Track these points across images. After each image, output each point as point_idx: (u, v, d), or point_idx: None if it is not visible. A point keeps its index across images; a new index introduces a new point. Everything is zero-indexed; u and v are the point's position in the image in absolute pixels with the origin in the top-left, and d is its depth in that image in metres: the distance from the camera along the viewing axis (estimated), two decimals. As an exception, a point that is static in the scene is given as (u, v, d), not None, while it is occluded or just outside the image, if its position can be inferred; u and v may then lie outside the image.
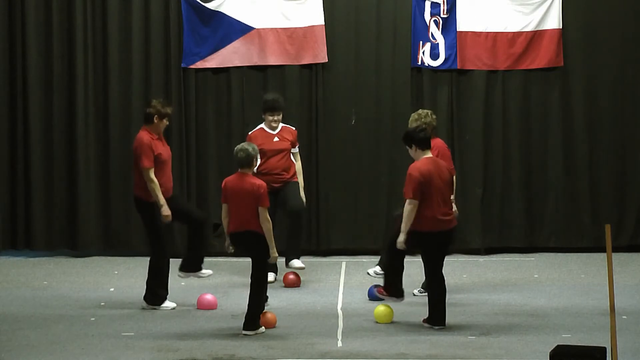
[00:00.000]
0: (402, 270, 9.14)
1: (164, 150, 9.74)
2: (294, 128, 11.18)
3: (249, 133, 11.01)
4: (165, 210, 9.51)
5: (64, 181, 12.89)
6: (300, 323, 9.04)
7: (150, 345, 8.27)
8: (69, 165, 12.89)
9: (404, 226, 8.84)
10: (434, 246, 8.89)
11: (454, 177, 9.52)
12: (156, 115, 9.70)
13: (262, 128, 10.96)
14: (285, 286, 10.68)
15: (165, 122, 9.79)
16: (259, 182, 8.90)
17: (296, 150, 11.09)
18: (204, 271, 9.89)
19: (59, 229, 12.90)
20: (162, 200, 9.53)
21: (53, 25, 12.82)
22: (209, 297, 9.70)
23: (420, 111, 10.15)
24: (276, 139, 10.90)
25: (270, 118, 10.89)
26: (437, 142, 9.89)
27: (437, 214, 8.79)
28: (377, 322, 9.00)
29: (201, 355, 7.94)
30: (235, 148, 8.95)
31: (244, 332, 8.63)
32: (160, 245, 9.71)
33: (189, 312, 9.57)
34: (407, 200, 8.81)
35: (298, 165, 11.09)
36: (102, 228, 12.89)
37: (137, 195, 9.71)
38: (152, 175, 9.51)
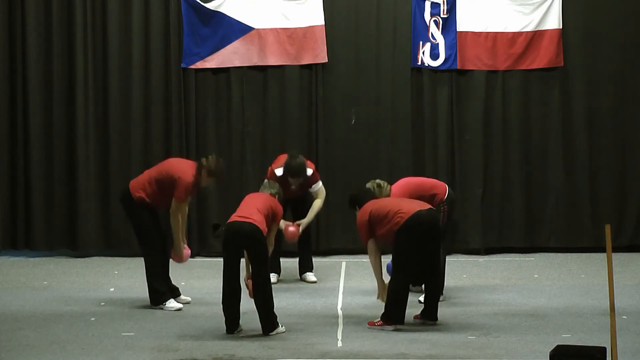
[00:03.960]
0: (406, 294, 8.84)
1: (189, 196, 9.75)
2: (311, 171, 10.76)
3: (274, 170, 10.63)
4: (179, 251, 9.56)
5: (64, 181, 12.89)
6: (300, 323, 9.03)
7: (150, 345, 8.27)
8: (69, 165, 12.88)
9: (376, 275, 8.93)
10: (409, 235, 8.72)
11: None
12: (205, 170, 9.57)
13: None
14: (286, 239, 10.60)
15: (210, 180, 9.65)
16: (280, 205, 9.05)
17: (316, 187, 10.84)
18: (171, 304, 9.71)
19: (59, 229, 12.90)
20: (179, 239, 9.52)
21: (53, 25, 12.82)
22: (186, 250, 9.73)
23: (380, 182, 9.76)
24: (293, 186, 10.78)
25: (292, 181, 10.62)
26: (403, 182, 9.95)
27: (401, 210, 8.74)
28: None
29: (201, 355, 7.94)
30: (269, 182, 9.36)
31: (266, 334, 8.62)
32: (150, 242, 9.66)
33: (189, 312, 9.57)
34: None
35: (317, 202, 10.83)
36: (102, 228, 12.89)
37: (133, 194, 9.58)
38: (179, 212, 9.46)
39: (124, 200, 9.75)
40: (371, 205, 9.00)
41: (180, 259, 9.71)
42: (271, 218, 8.83)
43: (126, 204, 9.72)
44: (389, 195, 9.55)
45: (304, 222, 10.78)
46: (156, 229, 9.72)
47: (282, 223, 9.99)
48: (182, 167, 9.63)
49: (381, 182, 9.68)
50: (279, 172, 10.65)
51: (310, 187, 10.86)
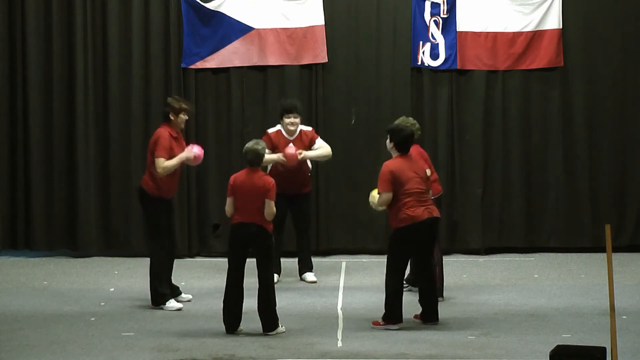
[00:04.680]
0: (402, 293, 8.97)
1: (179, 151, 9.75)
2: (310, 128, 11.08)
3: (268, 130, 10.95)
4: (190, 156, 9.69)
5: (64, 181, 12.88)
6: (300, 323, 9.04)
7: (150, 345, 8.28)
8: (69, 165, 12.88)
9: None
10: (408, 239, 8.84)
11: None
12: (171, 112, 9.75)
13: (279, 130, 10.87)
14: (286, 161, 10.56)
15: (183, 116, 9.82)
16: (269, 178, 8.90)
17: (320, 143, 10.96)
18: (171, 304, 9.72)
19: (59, 229, 12.89)
20: (179, 157, 9.64)
21: (53, 25, 12.82)
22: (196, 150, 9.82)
23: (411, 120, 10.07)
24: (291, 144, 10.81)
25: (287, 121, 10.78)
26: (425, 154, 10.00)
27: (411, 208, 8.78)
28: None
29: (201, 355, 7.94)
30: (245, 147, 8.99)
31: (265, 334, 8.63)
32: (158, 241, 9.69)
33: (189, 312, 9.57)
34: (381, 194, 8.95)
35: (324, 149, 10.96)
36: (102, 228, 12.88)
37: (144, 188, 9.70)
38: (164, 164, 9.54)
39: (141, 198, 9.85)
40: (404, 168, 8.92)
41: (196, 159, 9.82)
42: (265, 197, 8.73)
43: (143, 201, 9.82)
44: (416, 140, 9.62)
45: (306, 152, 10.82)
46: (167, 229, 9.77)
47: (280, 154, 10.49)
48: (156, 133, 9.80)
49: (419, 126, 9.95)
50: (272, 130, 10.86)
51: (314, 143, 10.94)
